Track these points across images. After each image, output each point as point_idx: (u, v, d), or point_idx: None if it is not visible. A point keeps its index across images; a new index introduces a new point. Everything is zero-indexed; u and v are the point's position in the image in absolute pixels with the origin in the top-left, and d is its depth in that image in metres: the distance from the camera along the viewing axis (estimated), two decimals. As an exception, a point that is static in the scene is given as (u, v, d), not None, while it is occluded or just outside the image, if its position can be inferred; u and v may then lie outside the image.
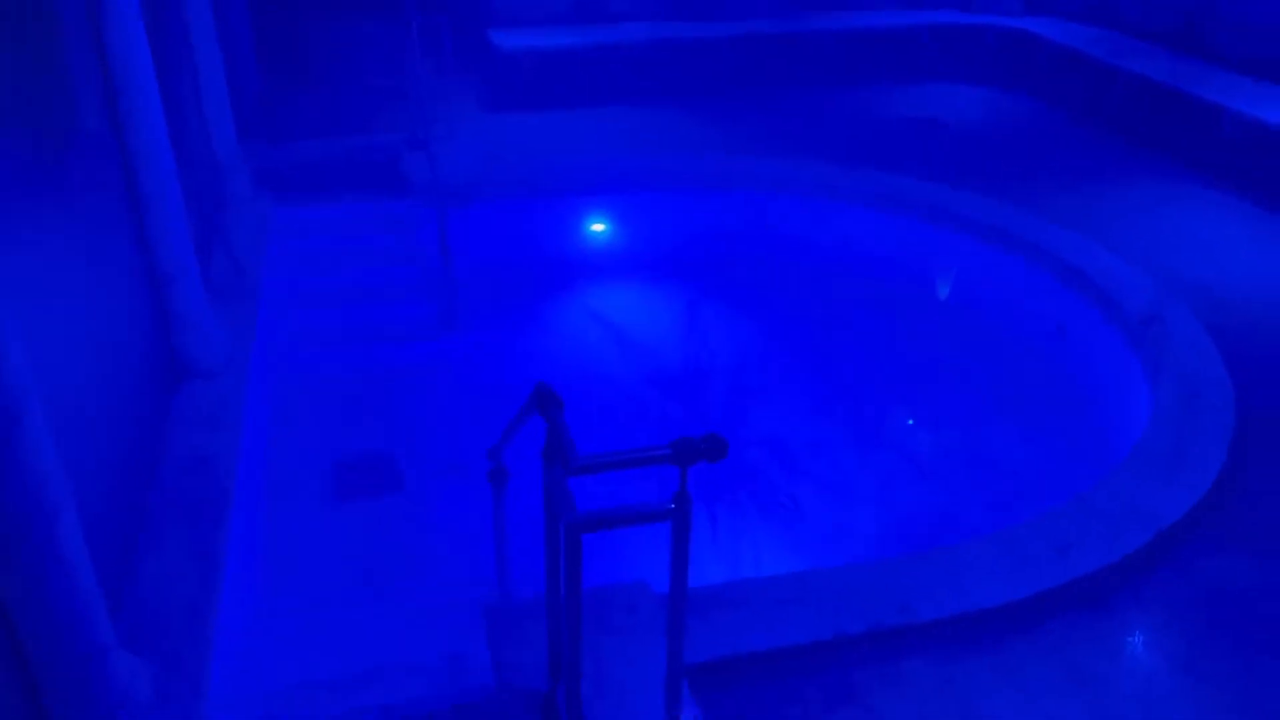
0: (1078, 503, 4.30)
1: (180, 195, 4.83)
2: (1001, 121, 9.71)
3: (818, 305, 7.48)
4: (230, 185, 7.07)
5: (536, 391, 2.78)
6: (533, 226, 7.89)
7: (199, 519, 4.03)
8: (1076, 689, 3.52)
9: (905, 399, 6.64)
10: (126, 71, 4.39)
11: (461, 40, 10.37)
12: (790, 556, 5.36)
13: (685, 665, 2.95)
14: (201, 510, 4.08)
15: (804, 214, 7.95)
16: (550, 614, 3.07)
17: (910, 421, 6.51)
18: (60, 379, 3.23)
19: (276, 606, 4.69)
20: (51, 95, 3.70)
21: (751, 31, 10.42)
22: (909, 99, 10.26)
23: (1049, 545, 4.03)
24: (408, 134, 8.20)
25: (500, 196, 7.83)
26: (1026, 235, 6.94)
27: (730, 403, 6.57)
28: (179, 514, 4.05)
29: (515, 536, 4.09)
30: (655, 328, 7.49)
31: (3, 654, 2.71)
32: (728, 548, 5.39)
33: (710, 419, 6.29)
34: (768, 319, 7.46)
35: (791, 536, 5.54)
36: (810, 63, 10.59)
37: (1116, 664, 3.65)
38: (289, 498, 5.53)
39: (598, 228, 8.14)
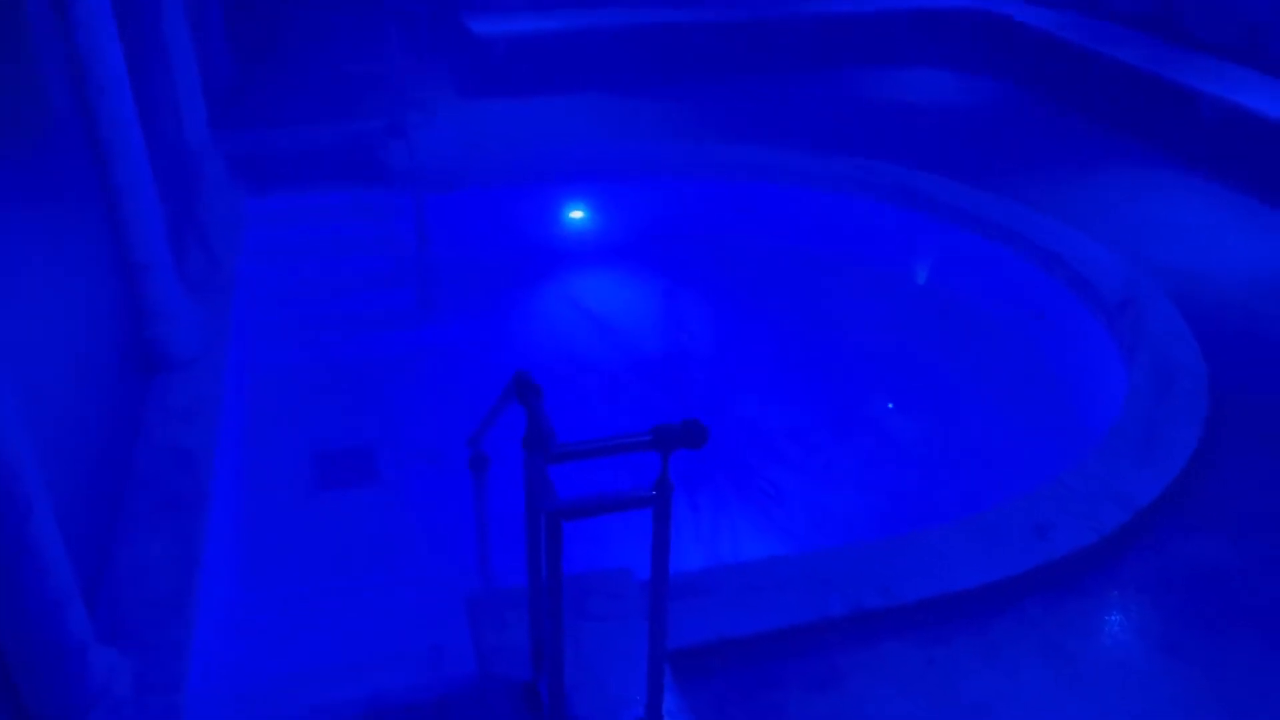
0: (1055, 485, 4.34)
1: (152, 184, 4.77)
2: (979, 107, 9.73)
3: (796, 291, 7.49)
4: (204, 174, 6.99)
5: (515, 379, 2.77)
6: (510, 214, 7.85)
7: (176, 511, 3.99)
8: (1056, 668, 3.55)
9: (885, 384, 6.66)
10: (95, 58, 4.32)
11: (438, 26, 10.29)
12: (771, 541, 5.38)
13: (668, 651, 2.96)
14: (179, 502, 4.04)
15: (782, 200, 7.95)
16: (532, 602, 3.06)
17: (890, 406, 6.54)
18: (32, 371, 3.19)
19: (256, 599, 4.66)
20: (17, 82, 3.64)
21: (729, 16, 10.39)
22: (887, 84, 10.26)
23: (1028, 527, 4.06)
24: (384, 121, 8.12)
25: (478, 184, 7.78)
26: (1004, 221, 6.97)
27: (710, 389, 6.58)
28: (156, 507, 4.01)
29: (496, 525, 4.08)
30: (634, 314, 7.48)
31: (-23, 650, 2.68)
32: (709, 534, 5.40)
33: (690, 405, 6.29)
34: (747, 305, 7.46)
35: (772, 521, 5.56)
36: (789, 48, 10.57)
37: (1095, 644, 3.69)
38: (267, 489, 5.49)
39: (576, 215, 8.11)
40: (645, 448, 2.51)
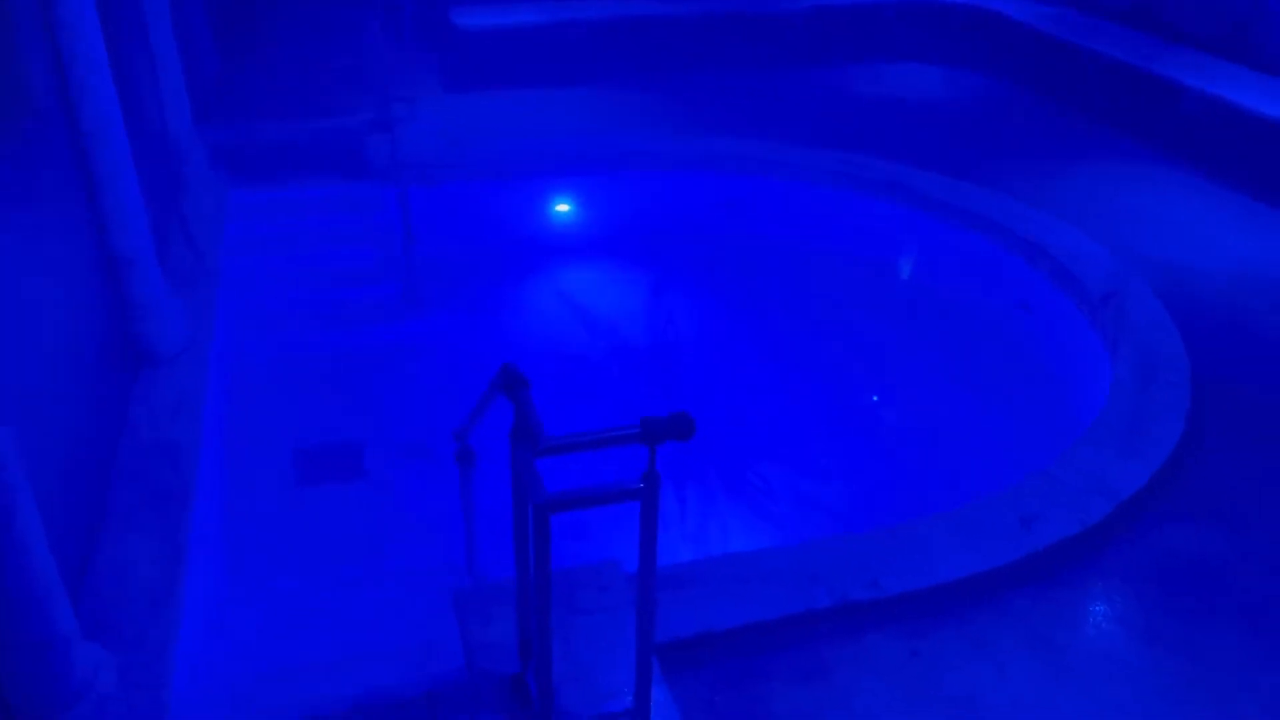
0: (1040, 476, 4.36)
1: (136, 178, 4.73)
2: (967, 101, 9.75)
3: (783, 284, 7.49)
4: (187, 168, 6.94)
5: (502, 372, 2.76)
6: (496, 207, 7.82)
7: (161, 506, 3.97)
8: (1042, 659, 3.58)
9: (872, 376, 6.68)
10: (78, 50, 4.28)
11: (422, 19, 10.24)
12: (758, 534, 5.39)
13: (655, 644, 2.96)
14: (164, 497, 4.02)
15: (767, 193, 7.95)
16: (520, 596, 3.06)
17: (875, 399, 6.56)
18: (13, 365, 3.16)
19: (242, 594, 4.65)
20: (-1, 74, 3.60)
21: (716, 10, 10.37)
22: (874, 78, 10.27)
23: (1013, 519, 4.08)
24: (369, 114, 8.08)
25: (462, 177, 7.75)
26: (990, 214, 6.99)
27: (697, 381, 6.58)
28: (141, 501, 3.99)
29: (484, 518, 4.07)
30: (620, 308, 7.47)
31: (-40, 646, 2.66)
32: (696, 526, 5.41)
33: (677, 398, 6.29)
34: (734, 299, 7.47)
35: (759, 513, 5.57)
36: (776, 42, 10.56)
37: (1080, 634, 3.71)
38: (252, 484, 5.47)
39: (561, 208, 8.09)
40: (633, 440, 2.50)
